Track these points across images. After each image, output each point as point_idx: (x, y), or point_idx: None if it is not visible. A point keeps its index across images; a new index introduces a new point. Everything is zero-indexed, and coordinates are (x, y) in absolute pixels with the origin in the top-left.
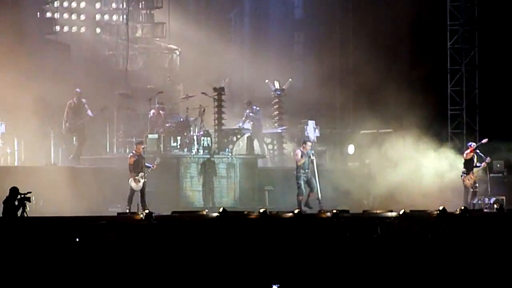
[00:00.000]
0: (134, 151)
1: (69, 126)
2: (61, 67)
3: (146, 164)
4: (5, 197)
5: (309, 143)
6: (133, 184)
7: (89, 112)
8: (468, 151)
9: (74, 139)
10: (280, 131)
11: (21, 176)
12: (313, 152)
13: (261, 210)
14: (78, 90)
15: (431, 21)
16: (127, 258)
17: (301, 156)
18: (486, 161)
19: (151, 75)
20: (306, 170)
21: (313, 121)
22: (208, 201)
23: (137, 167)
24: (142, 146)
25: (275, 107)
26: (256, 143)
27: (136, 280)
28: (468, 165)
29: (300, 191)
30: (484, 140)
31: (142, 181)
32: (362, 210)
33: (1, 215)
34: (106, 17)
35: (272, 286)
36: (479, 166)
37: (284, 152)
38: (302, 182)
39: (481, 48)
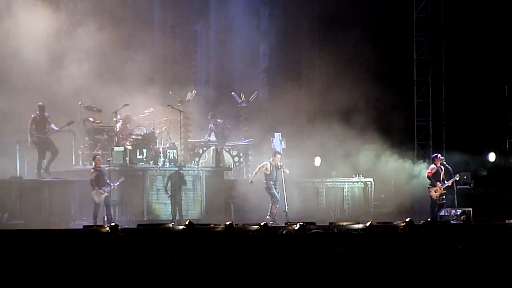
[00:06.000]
0: (94, 166)
1: (34, 140)
2: (24, 79)
3: (108, 181)
4: None
5: (278, 155)
6: (96, 198)
7: (53, 126)
8: (432, 167)
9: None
10: (246, 143)
11: None
12: (282, 164)
13: (228, 223)
14: (40, 104)
15: (397, 32)
16: (92, 271)
17: (270, 168)
18: (455, 178)
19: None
20: (276, 182)
21: (279, 133)
22: (174, 214)
23: (99, 182)
24: (108, 159)
25: (241, 119)
26: (224, 155)
27: None
28: (434, 177)
29: (276, 199)
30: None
31: (105, 193)
32: (328, 222)
33: None
34: (71, 28)
35: None
36: (446, 183)
37: (250, 164)
38: (275, 191)
39: (447, 59)
